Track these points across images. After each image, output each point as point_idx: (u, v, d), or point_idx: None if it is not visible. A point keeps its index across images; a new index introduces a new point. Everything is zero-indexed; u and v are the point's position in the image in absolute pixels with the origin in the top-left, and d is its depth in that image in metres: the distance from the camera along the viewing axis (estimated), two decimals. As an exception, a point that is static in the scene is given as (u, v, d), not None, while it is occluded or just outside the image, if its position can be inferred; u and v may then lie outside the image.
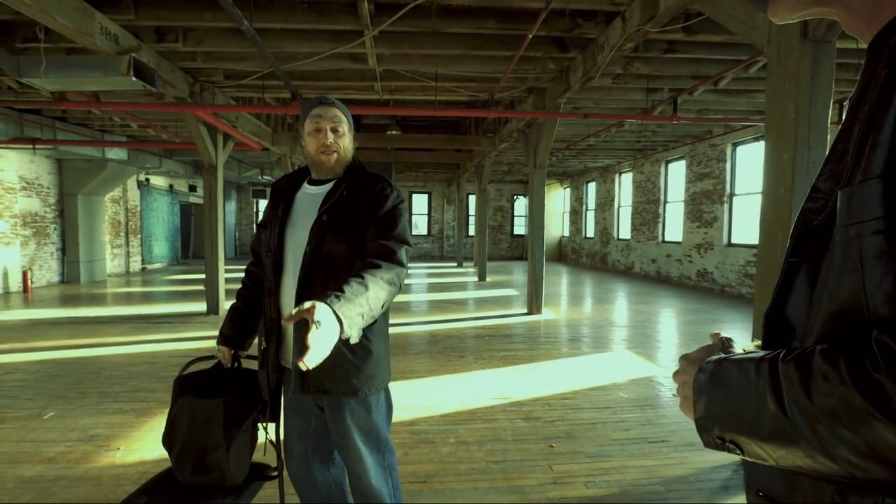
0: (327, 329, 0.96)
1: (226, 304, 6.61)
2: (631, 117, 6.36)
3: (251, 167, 12.32)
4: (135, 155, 9.88)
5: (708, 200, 9.48)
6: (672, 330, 6.10)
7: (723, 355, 0.56)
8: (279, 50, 4.61)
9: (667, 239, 11.22)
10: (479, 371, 4.11)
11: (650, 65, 5.18)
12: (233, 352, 1.63)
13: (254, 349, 1.69)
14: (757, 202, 8.28)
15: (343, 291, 1.08)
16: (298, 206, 1.47)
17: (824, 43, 2.34)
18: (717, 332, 0.65)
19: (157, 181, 12.98)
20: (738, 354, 0.54)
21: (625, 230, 13.23)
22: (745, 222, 8.74)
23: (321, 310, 0.97)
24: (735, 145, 8.93)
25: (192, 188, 14.31)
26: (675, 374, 0.62)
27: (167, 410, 3.31)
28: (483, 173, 11.26)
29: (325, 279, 1.32)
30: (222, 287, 6.35)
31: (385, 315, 1.47)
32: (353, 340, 1.07)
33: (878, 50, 0.46)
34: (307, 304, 0.98)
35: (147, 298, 8.21)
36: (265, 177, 13.22)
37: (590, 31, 4.40)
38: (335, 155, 1.41)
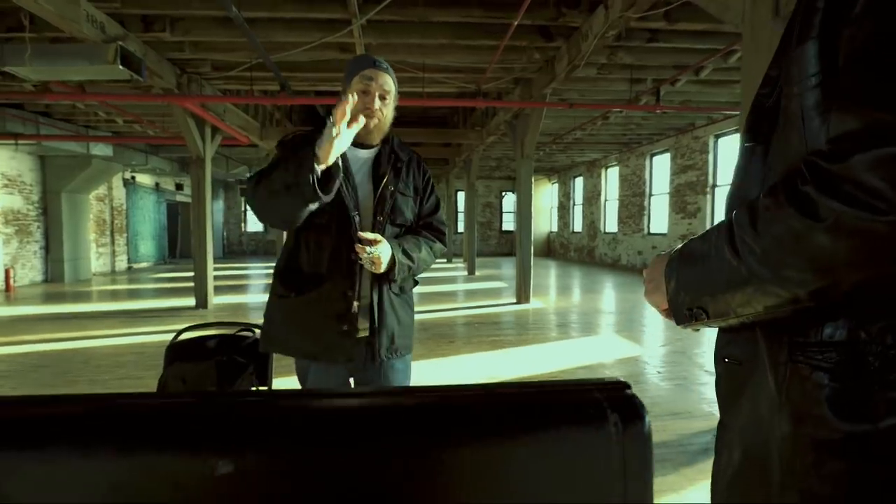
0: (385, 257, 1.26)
1: (215, 299, 6.58)
2: (615, 107, 6.47)
3: (239, 164, 12.23)
4: (120, 152, 9.77)
5: (692, 192, 9.66)
6: (658, 316, 6.22)
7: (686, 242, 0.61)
8: (267, 40, 4.63)
9: (652, 231, 11.40)
10: (469, 355, 4.17)
11: (633, 54, 5.28)
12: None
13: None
14: (739, 192, 8.45)
15: (404, 243, 1.35)
16: (353, 166, 1.39)
17: (795, 21, 2.44)
18: None
19: (143, 179, 12.83)
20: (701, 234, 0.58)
21: (611, 224, 13.40)
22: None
23: (385, 250, 1.26)
24: (717, 137, 9.12)
25: (179, 187, 14.15)
26: (645, 270, 0.68)
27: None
28: (471, 168, 11.33)
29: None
30: (211, 283, 6.33)
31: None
32: (394, 287, 1.35)
33: None
34: (377, 236, 1.25)
35: (134, 295, 8.13)
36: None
37: (574, 20, 4.48)
38: (375, 121, 1.35)
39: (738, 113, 7.70)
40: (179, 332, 1.86)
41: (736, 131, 8.56)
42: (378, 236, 1.27)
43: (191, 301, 6.48)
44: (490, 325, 5.51)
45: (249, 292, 8.24)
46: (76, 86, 5.82)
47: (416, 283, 1.56)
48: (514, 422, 0.25)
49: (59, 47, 4.06)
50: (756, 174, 0.57)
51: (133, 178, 12.20)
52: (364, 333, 1.37)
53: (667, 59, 5.43)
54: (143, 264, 13.15)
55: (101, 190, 11.02)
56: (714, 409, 2.88)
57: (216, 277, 6.76)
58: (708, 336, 4.84)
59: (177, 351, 1.79)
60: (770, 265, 0.45)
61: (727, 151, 9.02)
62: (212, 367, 1.62)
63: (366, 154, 1.43)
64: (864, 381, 0.43)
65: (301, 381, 1.43)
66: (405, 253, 1.32)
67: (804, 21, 0.49)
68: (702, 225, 9.34)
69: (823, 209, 0.39)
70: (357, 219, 1.32)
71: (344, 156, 1.34)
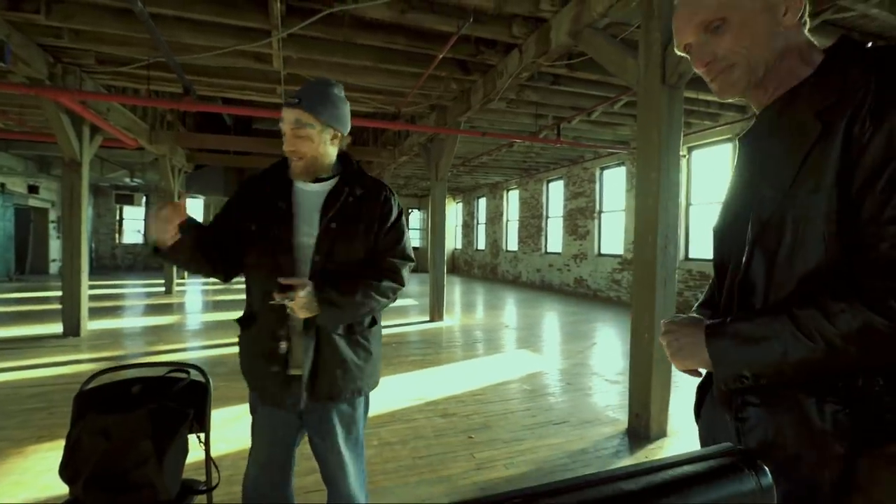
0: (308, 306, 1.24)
1: (89, 324, 5.65)
2: (523, 138, 7.03)
3: (118, 168, 10.67)
4: (-49, 145, 7.99)
5: (582, 216, 10.78)
6: (556, 330, 6.81)
7: (719, 320, 0.76)
8: (172, 39, 4.23)
9: (549, 250, 12.43)
10: (392, 376, 4.17)
11: (538, 93, 5.84)
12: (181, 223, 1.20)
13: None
14: (620, 218, 9.68)
15: (344, 286, 1.29)
16: (299, 202, 1.37)
17: (676, 89, 2.96)
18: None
19: (-19, 179, 10.57)
20: (737, 316, 0.75)
21: (513, 243, 14.32)
22: (611, 235, 10.13)
23: (307, 296, 1.22)
24: (602, 169, 10.34)
25: (33, 189, 11.87)
26: (664, 335, 0.83)
27: (25, 449, 2.81)
28: (382, 185, 11.34)
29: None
30: (85, 305, 5.43)
31: (379, 315, 1.51)
32: (327, 328, 1.32)
33: (783, 109, 0.76)
34: (301, 281, 1.22)
35: (-32, 321, 6.62)
36: (135, 180, 11.52)
37: (490, 58, 4.84)
38: (301, 162, 1.33)
39: (617, 151, 8.88)
40: (91, 378, 1.63)
41: (617, 165, 9.83)
42: (303, 281, 1.24)
43: (57, 327, 5.48)
44: (408, 344, 5.55)
45: (128, 315, 7.21)
46: None
47: (374, 321, 1.47)
48: (687, 492, 0.34)
49: None
50: (760, 271, 0.75)
51: (-34, 176, 10.00)
52: (297, 372, 1.34)
53: (566, 100, 6.09)
54: (-23, 281, 10.75)
55: (-81, 189, 8.85)
56: (617, 415, 3.27)
57: (91, 297, 5.81)
58: (602, 349, 5.44)
59: (90, 400, 1.55)
60: (837, 348, 0.64)
61: (610, 182, 10.26)
62: (144, 417, 1.44)
63: (318, 188, 1.38)
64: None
65: (252, 409, 1.48)
66: (332, 300, 1.25)
67: (816, 170, 0.68)
68: (591, 246, 10.45)
69: None
70: (289, 260, 1.32)
71: (291, 192, 1.38)
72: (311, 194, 1.38)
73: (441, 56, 4.40)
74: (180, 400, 1.60)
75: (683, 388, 3.77)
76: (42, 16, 3.91)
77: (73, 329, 5.26)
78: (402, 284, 1.41)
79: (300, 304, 1.22)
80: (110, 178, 11.07)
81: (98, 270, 14.79)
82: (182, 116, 8.33)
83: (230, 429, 2.89)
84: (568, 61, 4.78)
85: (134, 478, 1.41)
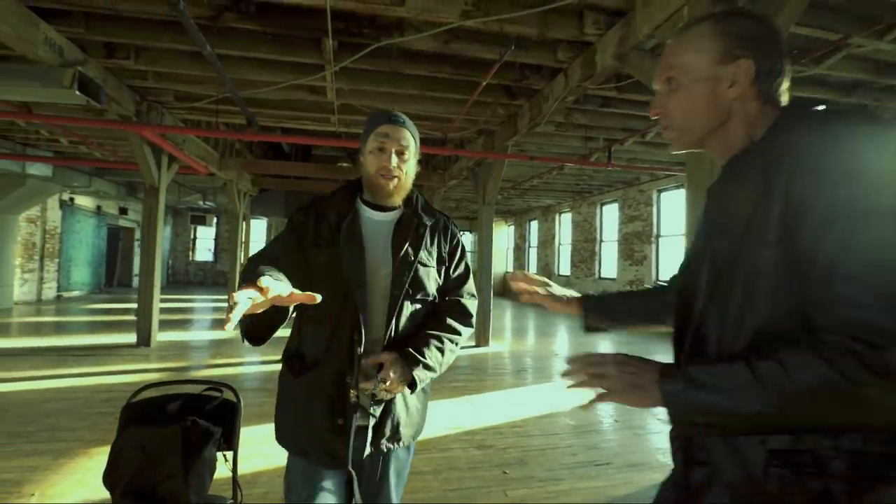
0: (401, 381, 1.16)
1: (159, 336, 6.14)
2: (572, 161, 6.90)
3: (192, 191, 11.74)
4: (60, 172, 9.13)
5: (638, 240, 10.30)
6: (610, 360, 6.45)
7: (686, 368, 0.72)
8: (237, 76, 4.62)
9: (603, 275, 11.95)
10: (431, 402, 4.11)
11: (587, 116, 5.73)
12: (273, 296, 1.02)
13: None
14: (680, 243, 9.14)
15: (424, 355, 1.20)
16: (368, 233, 1.27)
17: (732, 109, 2.78)
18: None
19: (84, 201, 11.97)
20: (697, 365, 0.71)
21: (565, 267, 13.92)
22: (671, 261, 9.56)
23: (397, 370, 1.14)
24: (660, 191, 9.87)
25: (123, 210, 13.31)
26: (614, 364, 0.77)
27: (91, 450, 3.03)
28: (432, 207, 11.52)
29: (412, 320, 1.27)
30: (156, 317, 5.92)
31: None
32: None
33: (733, 168, 0.79)
34: (389, 357, 1.15)
35: (64, 329, 7.43)
36: (207, 202, 12.61)
37: (536, 83, 4.83)
38: (396, 180, 1.25)
39: (675, 173, 8.45)
40: (137, 391, 1.75)
41: (676, 187, 9.34)
42: (385, 356, 1.15)
43: (131, 337, 6.00)
44: (451, 369, 5.49)
45: (194, 328, 7.75)
46: (20, 104, 5.49)
47: None
48: None
49: (7, 66, 3.85)
50: (713, 320, 0.75)
51: (72, 199, 11.38)
52: (362, 422, 1.21)
53: (616, 122, 5.92)
54: (76, 293, 12.06)
55: (34, 211, 10.17)
56: (668, 460, 3.01)
57: (163, 310, 6.33)
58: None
59: (133, 413, 1.66)
60: (791, 402, 0.62)
61: (669, 205, 9.76)
62: (176, 433, 1.52)
63: (386, 217, 1.30)
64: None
65: (292, 476, 1.26)
66: (425, 366, 1.19)
67: (762, 226, 0.68)
68: (648, 272, 9.92)
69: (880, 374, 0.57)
70: (364, 296, 1.19)
71: (358, 220, 1.27)
72: (379, 223, 1.29)
73: (485, 83, 4.45)
74: (212, 418, 1.68)
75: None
76: (132, 61, 4.43)
77: (144, 340, 5.73)
78: (473, 327, 1.38)
79: (392, 383, 1.14)
80: (186, 200, 12.15)
81: (173, 285, 16.12)
82: (249, 145, 9.01)
83: (271, 445, 2.97)
84: (616, 84, 4.67)
85: (162, 491, 1.48)
